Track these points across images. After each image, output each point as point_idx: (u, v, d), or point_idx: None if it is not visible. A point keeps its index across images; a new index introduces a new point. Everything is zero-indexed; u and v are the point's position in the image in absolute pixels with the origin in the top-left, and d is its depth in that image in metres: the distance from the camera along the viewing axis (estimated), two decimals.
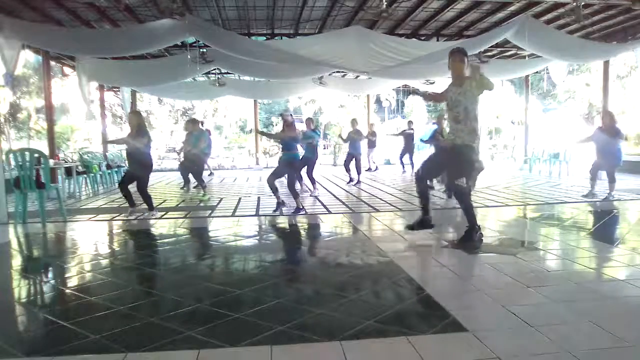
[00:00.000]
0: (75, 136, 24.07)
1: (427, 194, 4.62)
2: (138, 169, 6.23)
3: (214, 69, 11.76)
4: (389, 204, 7.09)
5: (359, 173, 10.01)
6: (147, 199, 6.23)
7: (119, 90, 14.48)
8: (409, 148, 12.34)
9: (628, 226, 5.63)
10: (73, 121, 24.28)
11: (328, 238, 5.27)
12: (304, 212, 6.39)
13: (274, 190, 6.55)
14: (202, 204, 7.44)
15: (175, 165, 17.54)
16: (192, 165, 8.82)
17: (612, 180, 7.16)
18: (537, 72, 12.73)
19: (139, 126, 6.24)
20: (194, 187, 9.20)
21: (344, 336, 2.33)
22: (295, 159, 6.70)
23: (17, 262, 4.38)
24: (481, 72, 4.17)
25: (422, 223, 4.53)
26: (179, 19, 6.69)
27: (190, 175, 9.23)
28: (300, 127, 10.41)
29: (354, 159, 9.97)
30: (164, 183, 11.22)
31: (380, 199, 7.70)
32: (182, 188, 9.50)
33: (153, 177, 13.17)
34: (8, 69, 7.11)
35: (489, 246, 4.30)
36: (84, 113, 13.21)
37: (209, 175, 12.86)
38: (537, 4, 8.28)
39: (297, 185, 7.42)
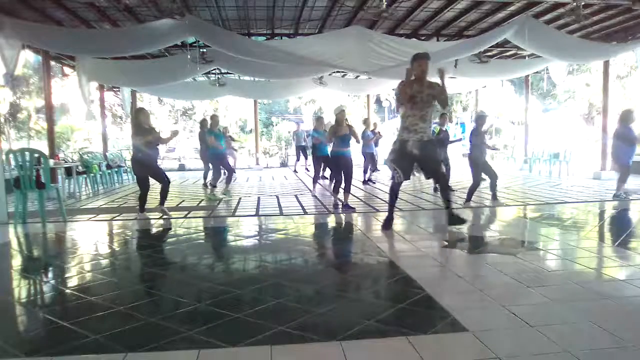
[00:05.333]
0: (75, 136, 24.05)
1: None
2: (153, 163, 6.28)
3: (214, 69, 11.75)
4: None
5: (365, 172, 10.22)
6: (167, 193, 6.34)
7: (119, 90, 14.48)
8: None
9: (629, 226, 5.62)
10: (73, 121, 24.27)
11: (328, 238, 5.28)
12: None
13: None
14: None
15: (174, 165, 17.63)
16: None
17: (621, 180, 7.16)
18: (537, 72, 12.71)
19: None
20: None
21: (344, 336, 2.32)
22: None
23: (17, 262, 4.38)
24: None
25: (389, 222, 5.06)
26: (179, 19, 6.68)
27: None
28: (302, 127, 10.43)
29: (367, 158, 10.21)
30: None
31: (381, 199, 7.70)
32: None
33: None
34: (8, 69, 7.10)
35: (489, 246, 4.30)
36: (84, 113, 13.24)
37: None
38: (537, 4, 8.28)
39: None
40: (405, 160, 4.77)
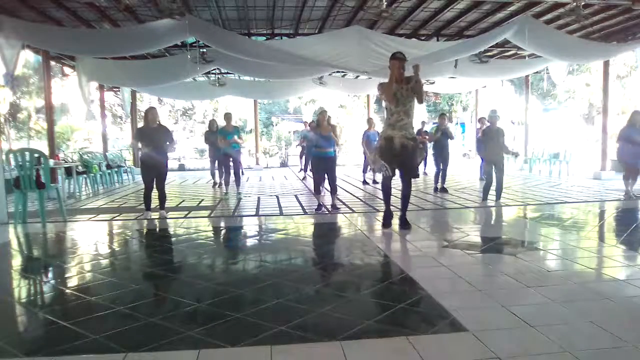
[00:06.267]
0: (75, 136, 24.05)
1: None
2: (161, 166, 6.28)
3: (214, 69, 11.74)
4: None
5: (364, 172, 10.36)
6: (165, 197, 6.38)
7: (119, 90, 14.47)
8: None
9: (629, 226, 5.62)
10: (73, 121, 24.27)
11: (328, 238, 5.27)
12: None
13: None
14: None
15: (174, 165, 17.61)
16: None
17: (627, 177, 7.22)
18: (537, 72, 12.71)
19: None
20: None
21: (344, 336, 2.33)
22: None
23: (17, 262, 4.38)
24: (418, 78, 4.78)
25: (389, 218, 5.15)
26: (179, 19, 6.68)
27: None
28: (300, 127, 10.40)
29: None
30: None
31: (380, 199, 7.69)
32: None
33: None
34: (8, 69, 7.10)
35: (489, 246, 4.30)
36: (84, 113, 13.19)
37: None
38: (537, 4, 8.27)
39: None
40: (390, 156, 4.85)
